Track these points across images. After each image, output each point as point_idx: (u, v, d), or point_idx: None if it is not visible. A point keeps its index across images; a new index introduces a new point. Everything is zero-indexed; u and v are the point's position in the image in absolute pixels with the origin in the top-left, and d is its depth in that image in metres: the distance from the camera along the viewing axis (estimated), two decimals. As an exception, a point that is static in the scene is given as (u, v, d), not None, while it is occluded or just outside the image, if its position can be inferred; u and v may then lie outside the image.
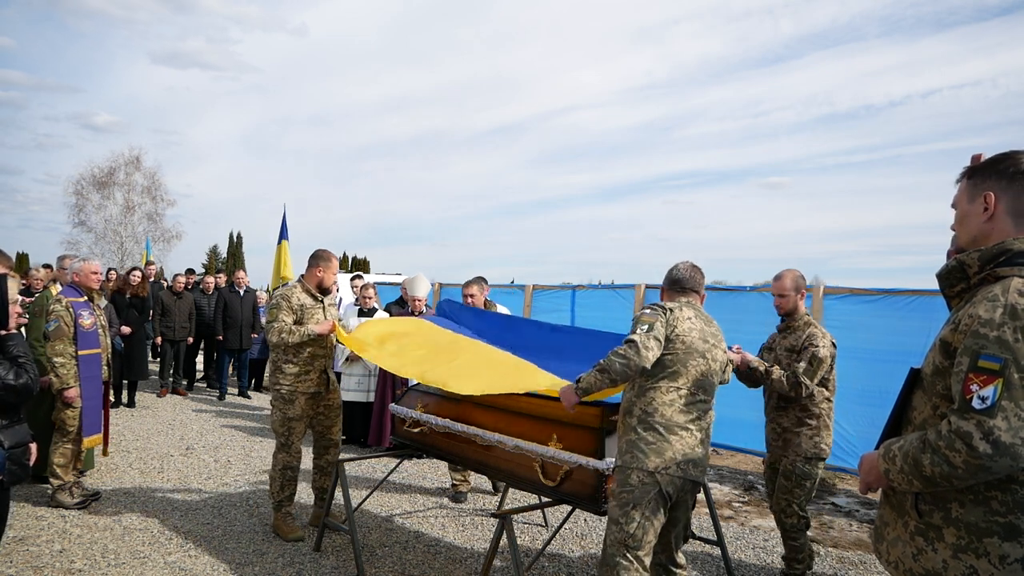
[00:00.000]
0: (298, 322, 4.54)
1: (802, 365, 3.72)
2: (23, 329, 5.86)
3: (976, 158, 1.84)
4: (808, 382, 3.71)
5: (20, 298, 3.11)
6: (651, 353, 2.79)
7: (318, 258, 4.69)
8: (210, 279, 11.14)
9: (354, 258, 53.32)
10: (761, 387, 4.08)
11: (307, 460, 6.21)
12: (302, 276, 4.79)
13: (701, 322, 2.99)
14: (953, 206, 1.88)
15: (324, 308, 4.71)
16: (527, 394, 4.20)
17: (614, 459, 2.97)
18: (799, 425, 3.82)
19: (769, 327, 6.75)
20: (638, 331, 2.83)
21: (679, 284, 3.13)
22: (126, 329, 8.56)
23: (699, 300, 3.14)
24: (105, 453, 5.78)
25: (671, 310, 2.94)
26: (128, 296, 8.90)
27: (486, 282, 7.12)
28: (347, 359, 7.60)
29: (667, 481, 2.79)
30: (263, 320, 10.43)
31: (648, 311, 2.93)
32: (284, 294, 4.61)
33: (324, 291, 4.72)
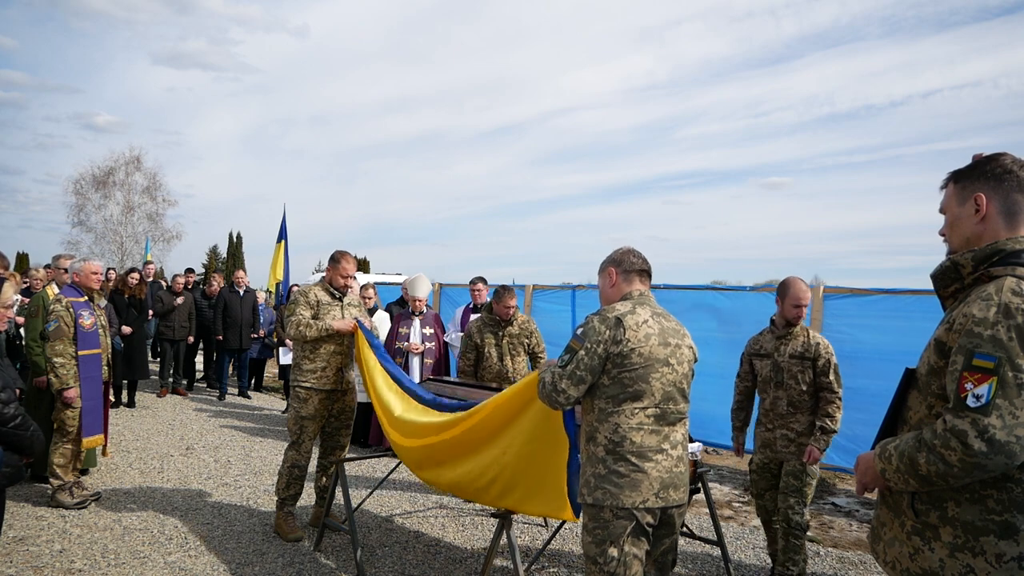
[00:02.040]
0: (316, 318, 4.63)
1: (832, 378, 3.88)
2: (22, 330, 5.88)
3: (977, 157, 1.85)
4: (839, 397, 3.93)
5: (19, 298, 3.12)
6: (565, 396, 2.54)
7: (331, 259, 4.85)
8: (215, 283, 11.05)
9: (354, 258, 53.30)
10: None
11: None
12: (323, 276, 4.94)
13: (659, 321, 2.61)
14: (942, 211, 1.89)
15: (342, 306, 4.76)
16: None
17: (579, 490, 2.63)
18: (811, 431, 3.92)
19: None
20: (558, 364, 2.56)
21: (635, 267, 2.74)
22: (126, 329, 8.59)
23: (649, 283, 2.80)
24: (105, 453, 5.79)
25: (620, 320, 2.52)
26: (127, 296, 8.93)
27: (485, 282, 7.17)
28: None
29: (645, 514, 2.51)
30: (262, 320, 10.44)
31: (581, 330, 2.56)
32: (303, 290, 4.76)
33: (339, 289, 4.78)
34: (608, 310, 2.60)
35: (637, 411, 2.51)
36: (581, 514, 2.64)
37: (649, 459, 2.50)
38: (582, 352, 2.51)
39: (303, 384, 4.58)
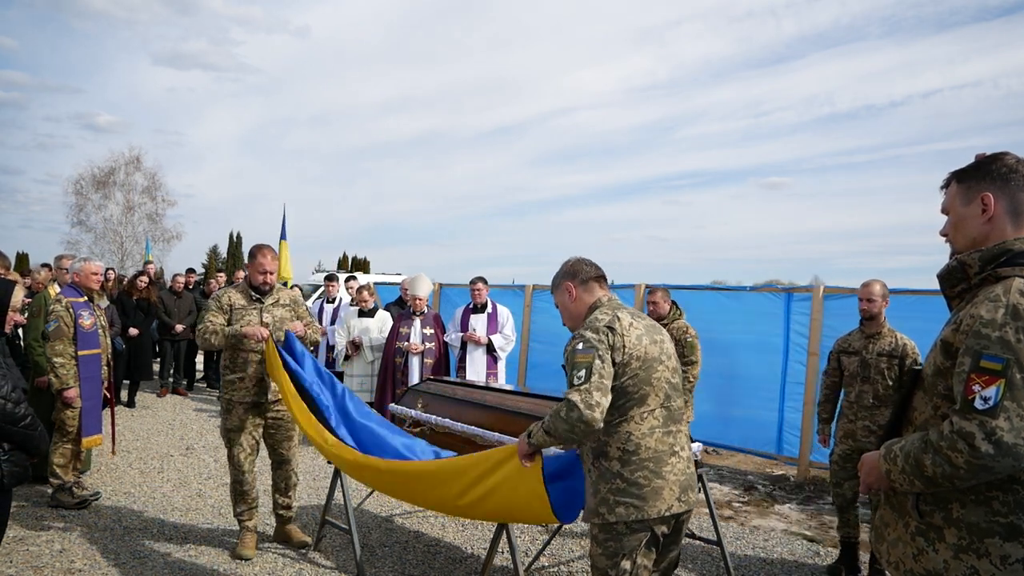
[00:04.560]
0: (228, 322, 4.23)
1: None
2: (20, 330, 5.87)
3: (980, 156, 1.84)
4: None
5: (26, 301, 3.11)
6: (599, 410, 2.34)
7: (248, 255, 4.38)
8: (214, 282, 11.12)
9: (354, 258, 53.23)
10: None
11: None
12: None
13: (639, 320, 2.56)
14: (944, 212, 1.88)
15: (262, 309, 4.30)
16: (525, 394, 4.19)
17: (592, 508, 2.51)
18: None
19: (770, 327, 6.81)
20: (576, 384, 2.37)
21: (590, 275, 2.67)
22: (134, 331, 8.71)
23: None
24: (114, 452, 5.77)
25: (612, 329, 2.45)
26: (135, 299, 9.04)
27: (485, 282, 7.17)
28: (346, 358, 7.60)
29: (666, 524, 2.46)
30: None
31: (580, 345, 2.43)
32: (216, 294, 4.36)
33: (258, 290, 4.33)
34: (592, 323, 2.51)
35: (646, 415, 2.45)
36: (589, 526, 2.56)
37: (666, 463, 2.44)
38: (597, 361, 2.38)
39: (224, 395, 4.29)
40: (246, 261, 4.41)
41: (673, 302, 5.62)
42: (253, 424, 4.30)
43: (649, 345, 2.49)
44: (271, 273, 4.33)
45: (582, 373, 2.38)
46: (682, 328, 5.54)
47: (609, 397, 2.39)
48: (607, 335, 2.44)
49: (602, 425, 2.40)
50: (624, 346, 2.43)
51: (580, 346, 2.44)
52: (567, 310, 2.72)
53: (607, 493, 2.44)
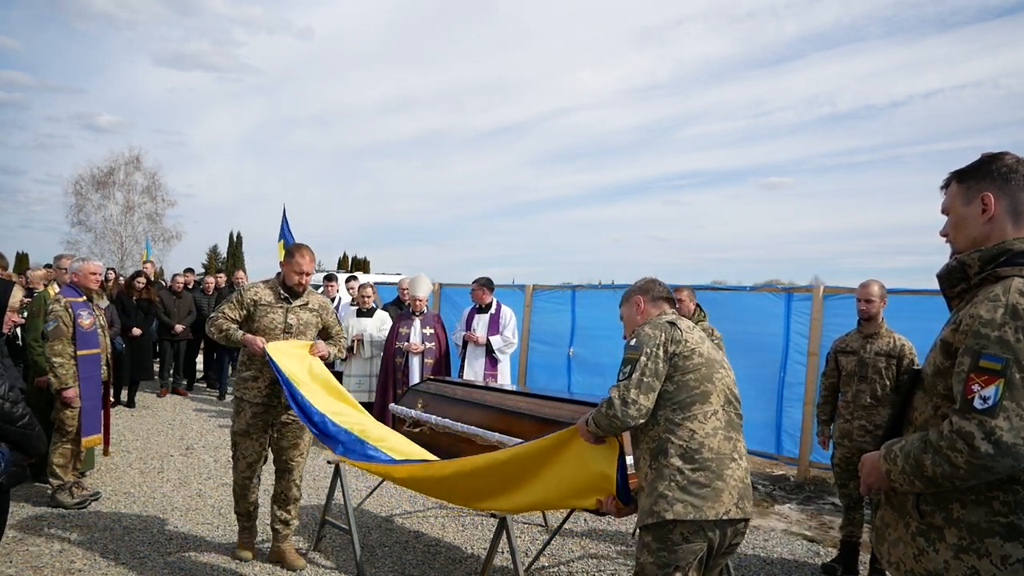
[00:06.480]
0: (249, 319, 4.10)
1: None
2: (18, 330, 5.86)
3: (986, 156, 1.84)
4: None
5: (25, 301, 3.10)
6: (634, 408, 2.40)
7: (286, 253, 4.25)
8: (210, 279, 11.20)
9: (354, 258, 53.26)
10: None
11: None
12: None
13: (700, 332, 2.65)
14: (944, 212, 1.88)
15: (288, 310, 4.15)
16: (525, 394, 4.20)
17: (647, 508, 2.43)
18: None
19: (769, 327, 6.80)
20: (618, 380, 2.46)
21: (661, 294, 2.76)
22: (137, 331, 8.72)
23: None
24: (106, 453, 5.78)
25: (673, 324, 2.54)
26: (135, 299, 9.05)
27: (486, 284, 7.14)
28: (345, 359, 7.59)
29: (720, 532, 2.39)
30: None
31: (633, 341, 2.51)
32: (243, 286, 4.25)
33: (290, 291, 4.17)
34: (654, 319, 2.63)
35: (709, 415, 2.45)
36: (640, 533, 2.49)
37: (727, 466, 2.42)
38: (643, 358, 2.44)
39: (236, 393, 4.17)
40: (282, 259, 4.29)
41: (697, 304, 5.43)
42: (261, 430, 4.17)
43: (711, 349, 2.57)
44: (308, 275, 4.18)
45: (627, 369, 2.46)
46: (707, 331, 5.46)
47: (652, 396, 2.44)
48: (666, 330, 2.52)
49: (640, 422, 2.45)
50: (685, 340, 2.50)
51: (632, 342, 2.53)
52: (632, 323, 2.78)
53: (665, 490, 2.39)
